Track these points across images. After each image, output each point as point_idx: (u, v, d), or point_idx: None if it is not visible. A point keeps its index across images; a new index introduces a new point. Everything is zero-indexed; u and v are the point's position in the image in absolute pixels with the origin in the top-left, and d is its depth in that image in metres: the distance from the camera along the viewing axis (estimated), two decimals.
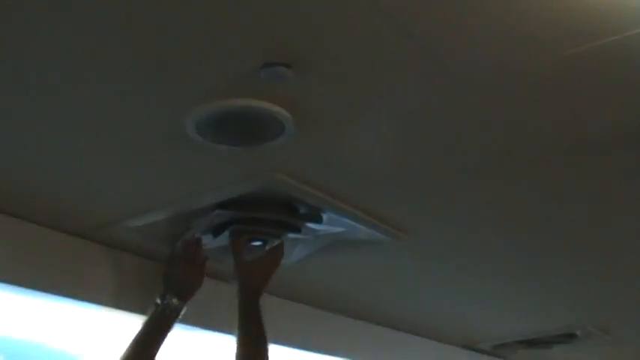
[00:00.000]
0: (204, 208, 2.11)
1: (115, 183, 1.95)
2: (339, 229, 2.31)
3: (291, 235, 2.27)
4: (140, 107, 1.56)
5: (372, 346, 3.46)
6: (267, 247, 2.29)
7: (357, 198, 2.10)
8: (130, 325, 2.41)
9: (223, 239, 2.25)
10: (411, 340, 3.77)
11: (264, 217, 2.17)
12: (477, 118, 1.68)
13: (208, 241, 2.28)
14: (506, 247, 2.65)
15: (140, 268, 2.43)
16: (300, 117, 1.60)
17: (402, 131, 1.73)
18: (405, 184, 2.04)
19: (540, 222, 2.38)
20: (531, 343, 4.29)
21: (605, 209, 2.29)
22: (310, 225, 2.26)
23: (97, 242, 2.30)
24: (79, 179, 1.92)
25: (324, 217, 2.19)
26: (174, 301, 2.21)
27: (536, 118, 1.69)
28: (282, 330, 2.70)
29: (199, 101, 1.54)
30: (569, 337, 4.17)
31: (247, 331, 2.17)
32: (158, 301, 2.22)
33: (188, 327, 2.41)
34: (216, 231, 2.23)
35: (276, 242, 2.28)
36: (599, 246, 2.66)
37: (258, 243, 2.28)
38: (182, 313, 2.24)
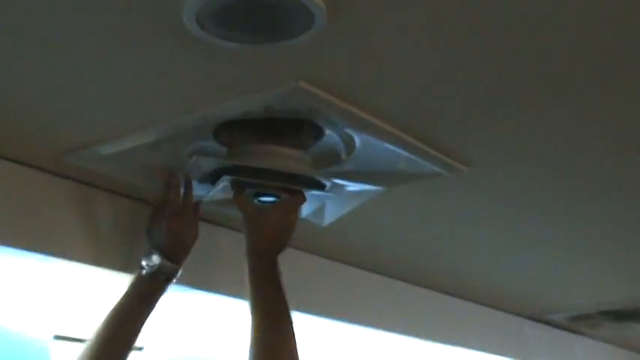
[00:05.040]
0: (201, 131, 2.05)
1: (88, 94, 1.86)
2: (373, 186, 2.28)
3: (313, 192, 2.23)
4: None
5: (415, 314, 3.49)
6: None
7: (402, 118, 2.02)
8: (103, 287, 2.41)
9: (223, 189, 2.21)
10: (464, 307, 3.79)
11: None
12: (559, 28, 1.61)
13: (204, 192, 2.24)
14: (588, 190, 2.63)
15: (117, 208, 2.41)
16: (334, 5, 1.52)
17: (464, 33, 1.65)
18: (464, 104, 1.97)
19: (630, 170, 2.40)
20: (619, 316, 4.31)
21: None
22: (338, 181, 2.21)
23: (61, 176, 2.27)
24: (40, 89, 1.84)
25: (357, 141, 2.12)
26: (164, 262, 2.19)
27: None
28: (305, 295, 2.70)
29: None
30: None
31: (262, 303, 2.14)
32: (143, 262, 2.19)
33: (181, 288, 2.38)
34: (215, 177, 2.18)
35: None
36: None
37: (268, 199, 2.24)
38: (176, 276, 2.23)
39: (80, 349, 2.12)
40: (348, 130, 2.07)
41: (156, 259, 2.18)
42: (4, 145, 2.11)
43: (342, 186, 2.24)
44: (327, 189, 2.23)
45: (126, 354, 2.12)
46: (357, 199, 2.35)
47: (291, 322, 2.12)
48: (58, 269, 2.35)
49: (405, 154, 2.17)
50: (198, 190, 2.24)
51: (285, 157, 2.10)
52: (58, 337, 2.45)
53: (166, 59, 1.70)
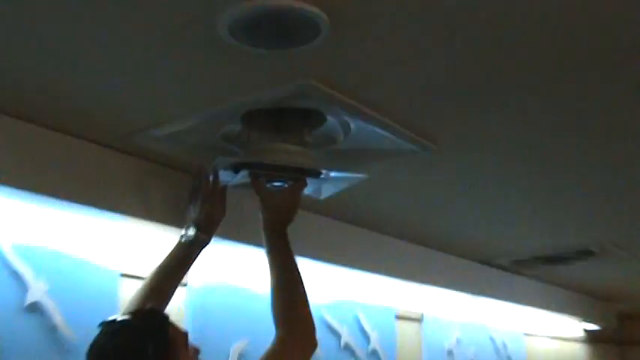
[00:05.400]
0: (232, 117, 2.06)
1: (143, 88, 1.89)
2: (358, 175, 2.34)
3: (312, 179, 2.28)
4: (171, 6, 1.50)
5: (393, 259, 3.49)
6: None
7: (389, 106, 2.04)
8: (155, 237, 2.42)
9: (243, 176, 2.24)
10: (432, 255, 3.79)
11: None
12: (520, 27, 1.62)
13: (229, 179, 2.27)
14: (526, 164, 2.66)
15: (166, 178, 2.42)
16: (336, 19, 1.53)
17: (440, 39, 1.67)
18: (438, 95, 1.99)
19: (559, 139, 2.38)
20: (549, 260, 4.31)
21: (620, 125, 2.27)
22: (330, 172, 2.27)
23: (123, 152, 2.27)
24: (105, 86, 1.87)
25: (352, 126, 2.14)
26: (198, 234, 2.23)
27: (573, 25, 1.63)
28: (308, 244, 2.72)
29: (234, 0, 1.47)
30: (586, 254, 4.19)
31: (277, 263, 2.19)
32: (182, 232, 2.24)
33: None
34: (236, 169, 2.22)
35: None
36: (613, 163, 2.66)
37: (278, 184, 2.28)
38: (208, 244, 2.26)
39: (133, 292, 2.17)
40: (346, 117, 2.08)
41: (192, 231, 2.23)
42: (82, 128, 2.12)
43: (333, 174, 2.30)
44: (322, 176, 2.27)
45: (167, 299, 2.18)
46: (345, 183, 2.40)
47: (299, 273, 2.19)
48: (123, 224, 2.34)
49: (389, 135, 2.19)
50: (224, 177, 2.28)
51: (291, 154, 2.16)
52: (124, 275, 2.46)
53: (204, 62, 1.74)
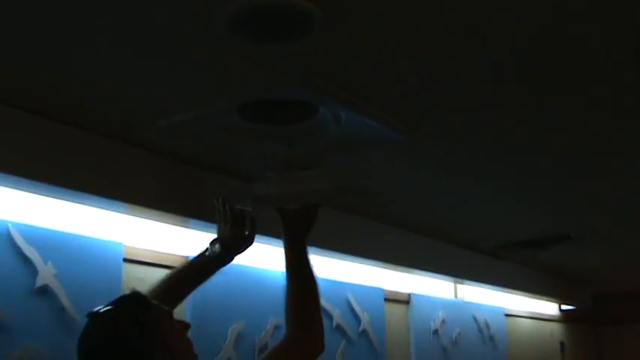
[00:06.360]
0: (229, 109, 2.08)
1: (144, 81, 1.91)
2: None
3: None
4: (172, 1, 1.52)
5: (378, 244, 3.53)
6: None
7: (377, 97, 2.08)
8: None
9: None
10: (417, 240, 3.82)
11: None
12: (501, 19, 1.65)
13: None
14: (508, 154, 2.70)
15: (170, 169, 2.45)
16: (329, 14, 1.56)
17: (430, 36, 1.70)
18: (426, 87, 2.03)
19: (536, 128, 2.41)
20: (529, 245, 4.34)
21: (597, 114, 2.31)
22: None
23: (129, 144, 2.30)
24: (107, 78, 1.89)
25: (343, 116, 2.16)
26: (222, 252, 2.27)
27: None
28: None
29: None
30: (563, 239, 4.23)
31: (295, 271, 2.21)
32: (209, 246, 2.28)
33: None
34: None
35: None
36: (589, 151, 2.70)
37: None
38: (226, 264, 2.31)
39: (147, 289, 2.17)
40: (337, 108, 2.10)
41: (218, 248, 2.27)
42: (84, 119, 2.15)
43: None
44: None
45: (177, 303, 2.19)
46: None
47: (313, 279, 2.21)
48: (126, 211, 2.37)
49: (378, 125, 2.21)
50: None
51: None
52: (127, 260, 2.48)
53: (205, 57, 1.77)
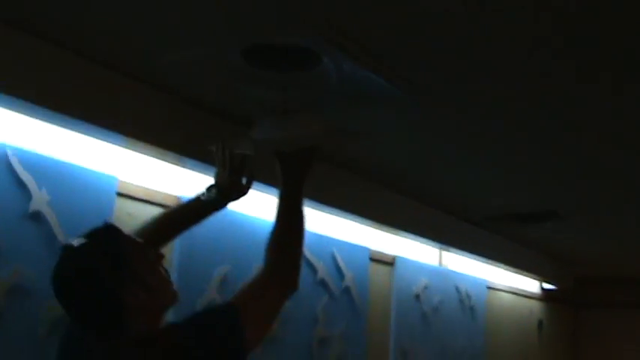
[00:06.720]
0: (233, 51, 2.09)
1: (150, 15, 1.92)
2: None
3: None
4: None
5: (368, 202, 3.57)
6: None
7: (381, 52, 2.10)
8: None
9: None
10: (405, 201, 3.85)
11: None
12: None
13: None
14: (503, 124, 2.74)
15: (172, 108, 2.47)
16: None
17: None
18: (431, 47, 2.04)
19: (536, 102, 2.45)
20: (517, 219, 4.38)
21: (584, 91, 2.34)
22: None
23: (134, 78, 2.31)
24: (121, 9, 1.89)
25: (346, 70, 2.18)
26: (218, 197, 2.26)
27: None
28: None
29: None
30: (551, 215, 4.27)
31: (284, 207, 2.15)
32: (205, 190, 2.27)
33: None
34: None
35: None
36: (577, 131, 2.75)
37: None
38: (220, 209, 2.30)
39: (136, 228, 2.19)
40: (341, 59, 2.12)
41: (214, 193, 2.26)
42: (91, 48, 2.16)
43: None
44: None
45: (165, 243, 2.23)
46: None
47: (300, 221, 2.14)
48: (123, 144, 2.40)
49: (379, 80, 2.24)
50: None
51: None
52: (119, 194, 2.51)
53: None
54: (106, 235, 1.80)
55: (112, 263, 1.72)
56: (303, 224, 2.15)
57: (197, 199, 2.28)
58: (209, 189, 2.27)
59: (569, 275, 6.47)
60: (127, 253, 1.76)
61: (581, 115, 2.58)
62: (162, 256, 1.88)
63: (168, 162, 2.60)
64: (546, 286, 6.37)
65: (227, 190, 2.28)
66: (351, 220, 3.60)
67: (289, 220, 2.14)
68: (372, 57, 2.10)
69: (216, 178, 2.29)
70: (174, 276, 2.51)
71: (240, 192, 2.33)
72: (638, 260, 6.01)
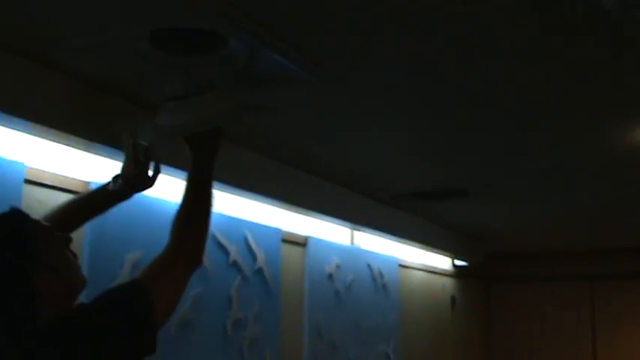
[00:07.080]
0: (140, 35, 2.10)
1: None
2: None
3: None
4: None
5: (278, 183, 3.61)
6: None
7: (290, 35, 2.13)
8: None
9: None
10: (315, 181, 3.91)
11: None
12: None
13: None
14: (410, 103, 2.79)
15: (80, 92, 2.45)
16: None
17: None
18: (339, 28, 2.09)
19: (442, 80, 2.51)
20: (426, 196, 4.47)
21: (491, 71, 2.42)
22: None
23: (40, 62, 2.29)
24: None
25: (253, 51, 2.21)
26: (125, 188, 2.27)
27: None
28: None
29: None
30: (460, 193, 4.37)
31: (192, 184, 2.16)
32: (111, 180, 2.27)
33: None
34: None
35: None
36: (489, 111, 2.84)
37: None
38: (126, 199, 2.32)
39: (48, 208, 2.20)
40: (249, 42, 2.15)
41: (120, 184, 2.26)
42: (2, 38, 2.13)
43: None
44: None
45: (74, 228, 2.21)
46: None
47: (208, 198, 2.16)
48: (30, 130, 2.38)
49: (288, 62, 2.27)
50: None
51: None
52: (27, 181, 2.47)
53: None
54: (12, 219, 1.80)
55: (14, 244, 1.72)
56: (211, 204, 2.17)
57: (104, 188, 2.29)
58: (115, 179, 2.27)
59: (479, 251, 6.64)
60: (30, 234, 1.76)
61: (490, 98, 2.67)
62: (70, 239, 1.89)
63: (77, 148, 2.58)
64: (458, 262, 6.53)
65: (133, 180, 2.29)
66: (262, 201, 3.63)
67: (196, 199, 2.15)
68: (278, 39, 2.13)
69: (123, 169, 2.30)
70: (85, 261, 2.53)
71: (145, 184, 2.34)
72: (543, 235, 6.21)
